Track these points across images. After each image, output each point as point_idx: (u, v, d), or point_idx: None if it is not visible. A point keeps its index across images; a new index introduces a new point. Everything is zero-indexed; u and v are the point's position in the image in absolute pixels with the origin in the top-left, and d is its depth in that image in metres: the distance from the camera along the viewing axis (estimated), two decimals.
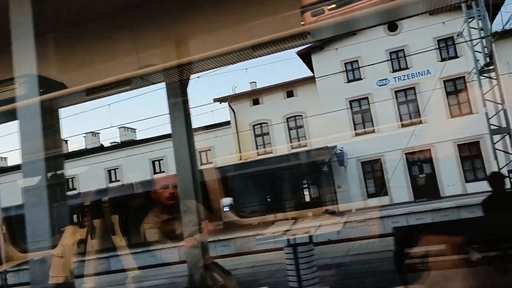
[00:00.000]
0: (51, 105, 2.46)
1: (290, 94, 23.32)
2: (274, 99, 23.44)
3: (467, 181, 19.30)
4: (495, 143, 15.08)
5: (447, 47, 20.01)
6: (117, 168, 26.03)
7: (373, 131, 20.77)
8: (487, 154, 18.78)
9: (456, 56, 19.79)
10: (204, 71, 2.88)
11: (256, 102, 23.87)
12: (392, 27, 20.74)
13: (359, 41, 20.17)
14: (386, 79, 20.71)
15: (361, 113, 21.29)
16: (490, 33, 19.67)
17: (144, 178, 24.50)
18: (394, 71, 20.74)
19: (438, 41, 20.08)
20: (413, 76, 20.35)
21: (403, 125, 20.43)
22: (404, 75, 20.51)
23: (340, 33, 2.95)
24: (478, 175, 19.17)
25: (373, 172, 20.85)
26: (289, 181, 21.45)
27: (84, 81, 2.61)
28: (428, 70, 20.10)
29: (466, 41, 19.23)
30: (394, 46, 20.61)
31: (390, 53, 20.76)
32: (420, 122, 20.17)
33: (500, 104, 15.65)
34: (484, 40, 17.83)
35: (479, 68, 17.06)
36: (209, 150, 24.47)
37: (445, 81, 19.86)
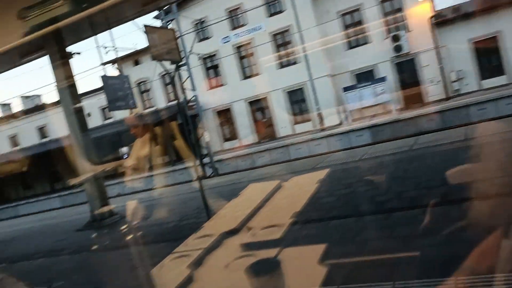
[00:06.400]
0: None
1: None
2: None
3: (296, 122, 22.43)
4: None
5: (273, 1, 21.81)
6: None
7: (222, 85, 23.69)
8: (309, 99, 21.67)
9: (280, 11, 21.69)
10: None
11: (137, 63, 26.69)
12: None
13: (203, 1, 22.33)
14: (228, 36, 22.99)
15: (213, 68, 24.02)
16: None
17: None
18: (233, 28, 22.90)
19: None
20: (249, 32, 22.52)
21: (245, 77, 23.21)
22: (242, 32, 22.70)
23: None
24: (304, 118, 22.25)
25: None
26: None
27: None
28: (260, 26, 22.21)
29: None
30: (232, 5, 22.53)
31: (230, 11, 22.76)
32: (257, 74, 22.84)
33: None
34: None
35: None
36: None
37: (274, 35, 22.07)
